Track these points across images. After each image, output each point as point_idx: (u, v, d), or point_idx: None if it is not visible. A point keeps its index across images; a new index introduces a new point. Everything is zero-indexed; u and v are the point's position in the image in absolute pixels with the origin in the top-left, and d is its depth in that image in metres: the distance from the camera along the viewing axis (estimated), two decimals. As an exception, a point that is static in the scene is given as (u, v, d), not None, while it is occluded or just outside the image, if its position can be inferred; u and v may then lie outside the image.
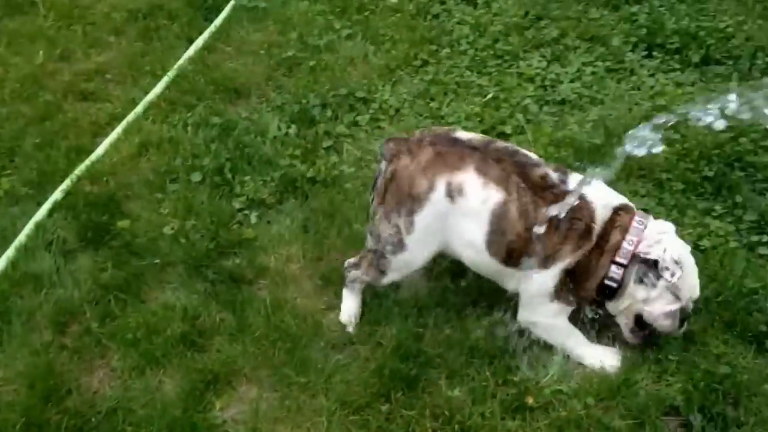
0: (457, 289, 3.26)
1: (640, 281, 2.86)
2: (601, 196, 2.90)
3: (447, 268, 3.33)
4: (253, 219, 3.66)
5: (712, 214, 3.49)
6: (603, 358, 2.99)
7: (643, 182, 3.66)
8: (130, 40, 4.91)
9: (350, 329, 3.18)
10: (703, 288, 2.96)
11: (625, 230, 2.86)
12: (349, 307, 3.23)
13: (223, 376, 3.02)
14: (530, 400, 2.83)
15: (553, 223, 2.82)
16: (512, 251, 2.89)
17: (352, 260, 3.22)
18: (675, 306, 2.87)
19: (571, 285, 2.92)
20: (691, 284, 2.90)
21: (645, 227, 2.87)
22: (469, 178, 2.86)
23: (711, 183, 3.56)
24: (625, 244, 2.84)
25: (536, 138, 3.90)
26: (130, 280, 3.37)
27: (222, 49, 4.76)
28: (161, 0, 5.17)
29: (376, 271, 3.13)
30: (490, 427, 2.77)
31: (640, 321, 2.94)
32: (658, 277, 2.83)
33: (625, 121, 3.92)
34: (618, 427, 2.76)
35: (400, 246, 3.00)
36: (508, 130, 4.00)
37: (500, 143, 2.99)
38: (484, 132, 3.98)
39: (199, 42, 4.75)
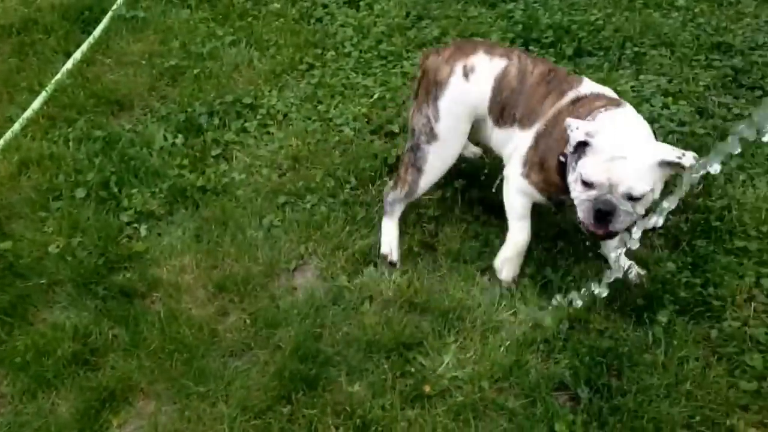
0: (352, 286, 3.29)
1: (572, 166, 2.94)
2: (592, 85, 3.20)
3: (342, 267, 3.37)
4: (143, 232, 3.60)
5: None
6: (507, 267, 3.25)
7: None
8: (4, 56, 4.75)
9: (393, 257, 3.40)
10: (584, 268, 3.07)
11: (590, 110, 3.01)
12: (389, 235, 3.44)
13: (120, 393, 2.96)
14: (428, 389, 2.88)
15: (545, 78, 3.20)
16: (504, 108, 3.24)
17: (389, 184, 3.50)
18: (585, 194, 2.88)
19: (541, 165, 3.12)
20: (607, 171, 2.82)
21: (611, 110, 2.99)
22: (478, 58, 3.29)
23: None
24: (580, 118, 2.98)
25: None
26: (15, 302, 3.26)
27: (102, 61, 4.67)
28: (35, 14, 5.03)
29: (414, 173, 3.38)
30: (391, 418, 2.81)
31: None
32: (577, 159, 2.89)
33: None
34: (512, 406, 2.84)
35: (432, 135, 3.32)
36: (395, 128, 4.06)
37: None
38: (372, 132, 4.05)
39: (77, 55, 4.64)
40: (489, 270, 3.32)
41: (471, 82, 3.26)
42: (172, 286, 3.35)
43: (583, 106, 3.05)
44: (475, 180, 3.68)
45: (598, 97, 3.10)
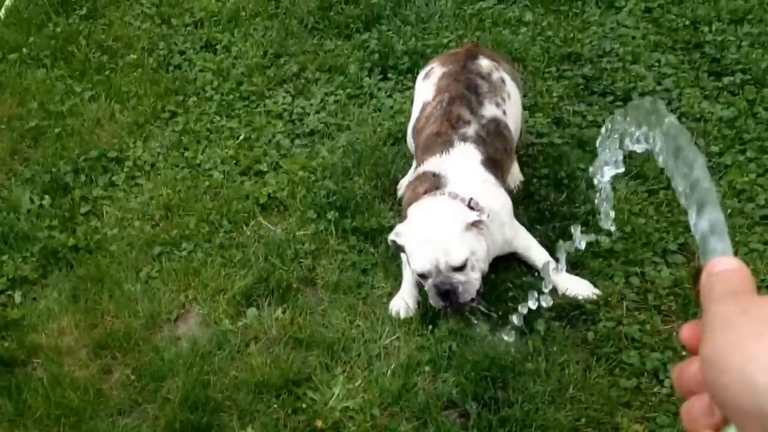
0: (236, 329, 3.31)
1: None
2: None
3: (224, 311, 3.38)
4: (18, 298, 3.53)
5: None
6: (402, 306, 3.32)
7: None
8: None
9: None
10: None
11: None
12: None
13: (7, 466, 2.90)
14: (320, 423, 2.91)
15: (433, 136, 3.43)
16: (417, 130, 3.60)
17: None
18: (426, 284, 3.14)
19: None
20: (427, 258, 3.07)
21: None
22: (436, 72, 3.69)
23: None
24: None
25: (291, 169, 4.03)
26: None
27: (-43, 129, 4.53)
28: None
29: None
30: (286, 456, 2.85)
31: None
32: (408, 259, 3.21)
33: (371, 142, 4.14)
34: (404, 430, 2.90)
35: None
36: (264, 167, 4.10)
37: (481, 81, 3.60)
38: (241, 173, 4.08)
39: (-70, 125, 4.50)
40: (369, 298, 3.40)
41: (423, 83, 3.75)
42: (52, 350, 3.29)
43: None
44: (347, 211, 3.76)
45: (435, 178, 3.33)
